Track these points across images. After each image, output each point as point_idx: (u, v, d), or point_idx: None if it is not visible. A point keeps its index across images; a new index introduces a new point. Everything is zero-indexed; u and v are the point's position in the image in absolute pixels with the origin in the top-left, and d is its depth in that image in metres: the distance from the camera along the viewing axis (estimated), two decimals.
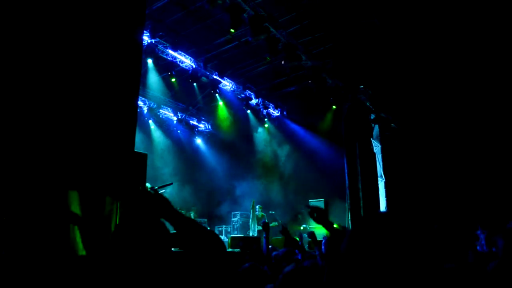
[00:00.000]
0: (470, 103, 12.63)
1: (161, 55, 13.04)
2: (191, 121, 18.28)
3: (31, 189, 3.69)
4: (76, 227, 3.79)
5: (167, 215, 1.75)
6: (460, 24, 11.00)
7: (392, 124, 15.56)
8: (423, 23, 11.27)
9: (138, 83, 5.49)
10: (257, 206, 14.42)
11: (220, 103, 17.19)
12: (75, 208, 4.05)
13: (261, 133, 18.25)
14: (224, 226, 16.10)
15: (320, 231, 14.31)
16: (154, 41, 12.28)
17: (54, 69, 4.15)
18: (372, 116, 15.30)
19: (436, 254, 0.98)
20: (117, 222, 4.67)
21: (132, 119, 5.11)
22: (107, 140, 4.62)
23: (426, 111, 13.66)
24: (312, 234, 5.54)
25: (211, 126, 19.16)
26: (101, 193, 4.45)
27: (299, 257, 5.11)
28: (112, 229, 4.70)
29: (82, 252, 3.73)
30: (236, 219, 15.84)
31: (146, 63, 13.24)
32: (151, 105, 16.17)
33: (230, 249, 10.27)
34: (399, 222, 1.00)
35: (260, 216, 14.26)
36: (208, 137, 19.28)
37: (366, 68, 13.69)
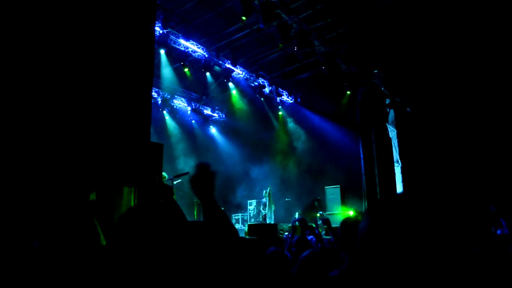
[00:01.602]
0: (487, 85, 12.37)
1: (173, 45, 13.04)
2: (205, 111, 18.33)
3: (51, 183, 3.76)
4: (96, 217, 3.86)
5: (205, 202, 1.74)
6: (475, 4, 10.73)
7: (408, 109, 15.35)
8: (437, 4, 11.02)
9: (151, 74, 5.52)
10: (263, 191, 14.57)
11: (234, 91, 17.19)
12: (94, 199, 4.12)
13: (275, 121, 18.22)
14: (240, 214, 16.22)
15: (337, 217, 14.33)
16: (166, 31, 12.28)
17: (69, 64, 4.19)
18: (387, 101, 15.11)
19: (460, 236, 0.96)
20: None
21: (146, 110, 5.15)
22: (123, 132, 4.66)
23: (442, 94, 13.43)
24: (327, 221, 5.67)
25: (225, 115, 19.19)
26: (118, 183, 4.51)
27: (313, 242, 5.21)
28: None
29: (103, 241, 3.80)
30: (252, 207, 15.94)
31: (159, 53, 13.26)
32: (165, 95, 16.24)
33: (248, 237, 10.35)
34: (420, 202, 0.98)
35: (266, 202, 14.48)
36: (222, 126, 19.32)
37: (380, 52, 13.49)
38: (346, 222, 2.85)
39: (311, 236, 5.60)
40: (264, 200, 14.72)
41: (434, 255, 0.90)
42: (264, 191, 14.66)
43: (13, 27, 3.76)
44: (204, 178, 1.79)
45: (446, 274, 0.90)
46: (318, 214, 14.83)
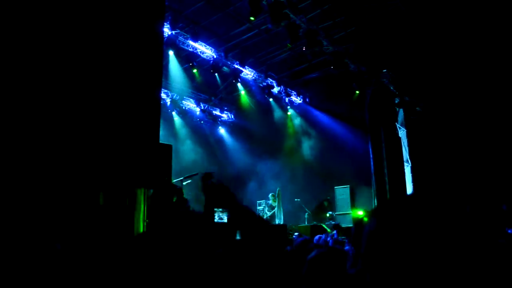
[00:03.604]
0: (498, 83, 12.24)
1: (182, 46, 13.09)
2: (214, 111, 18.36)
3: (61, 185, 3.79)
4: (108, 218, 3.88)
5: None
6: (486, 3, 10.62)
7: (417, 108, 15.25)
8: (446, 2, 10.93)
9: (160, 76, 5.55)
10: (269, 194, 14.58)
11: (242, 92, 17.19)
12: (104, 200, 4.14)
13: (284, 121, 18.20)
14: None
15: (347, 217, 14.27)
16: (175, 32, 12.33)
17: (80, 66, 4.22)
18: (397, 100, 15.03)
19: (471, 236, 0.95)
20: (145, 213, 4.76)
21: (156, 112, 5.18)
22: (132, 133, 4.69)
23: (452, 93, 13.31)
24: (337, 226, 5.83)
25: (234, 116, 19.21)
26: (129, 185, 4.54)
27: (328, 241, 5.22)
28: (141, 219, 4.80)
29: (114, 241, 3.83)
30: (261, 207, 15.93)
31: (168, 55, 13.31)
32: (174, 96, 16.30)
33: None
34: (430, 203, 0.98)
35: (272, 203, 14.44)
36: (231, 126, 19.34)
37: (389, 52, 13.41)
38: (358, 222, 2.87)
39: (317, 236, 5.62)
40: (269, 201, 14.70)
41: (444, 257, 0.90)
42: (271, 194, 14.65)
43: (21, 30, 3.80)
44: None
45: (456, 276, 0.90)
46: (328, 215, 14.79)
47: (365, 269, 1.00)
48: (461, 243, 0.92)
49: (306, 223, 13.97)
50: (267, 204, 14.83)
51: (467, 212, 0.95)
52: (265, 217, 14.81)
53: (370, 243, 1.00)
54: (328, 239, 5.66)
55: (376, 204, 14.27)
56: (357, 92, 15.23)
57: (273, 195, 14.53)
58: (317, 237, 5.46)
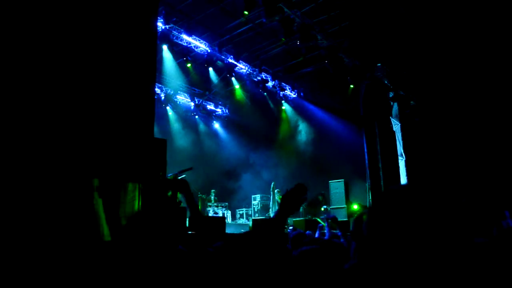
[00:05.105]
0: (491, 78, 12.29)
1: (175, 40, 13.01)
2: (208, 106, 18.32)
3: (55, 179, 3.77)
4: (101, 214, 3.87)
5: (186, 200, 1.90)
6: None
7: (412, 102, 15.29)
8: None
9: (154, 70, 5.52)
10: (275, 191, 14.65)
11: (237, 86, 17.14)
12: (98, 195, 4.13)
13: (279, 115, 18.20)
14: (244, 209, 16.24)
15: (342, 211, 14.34)
16: (168, 27, 12.25)
17: (72, 61, 4.19)
18: (391, 94, 15.06)
19: (465, 227, 0.96)
20: (140, 207, 4.75)
21: (150, 106, 5.16)
22: (126, 128, 4.68)
23: (446, 87, 13.35)
24: (334, 219, 5.88)
25: (228, 110, 19.18)
26: (123, 180, 4.52)
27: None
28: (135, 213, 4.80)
29: (108, 238, 3.82)
30: (256, 202, 15.97)
31: (161, 49, 13.24)
32: (168, 91, 16.24)
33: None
34: (423, 195, 0.98)
35: (278, 200, 14.52)
36: (225, 121, 19.32)
37: (383, 46, 13.41)
38: (355, 216, 2.92)
39: (309, 231, 5.65)
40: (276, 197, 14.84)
41: (437, 247, 0.90)
42: (277, 190, 14.84)
43: (16, 24, 3.77)
44: (297, 198, 1.87)
45: (449, 267, 0.90)
46: (322, 209, 14.84)
47: (363, 262, 1.01)
48: (456, 236, 0.92)
49: (300, 217, 14.02)
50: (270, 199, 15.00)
51: (462, 204, 0.95)
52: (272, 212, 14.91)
53: (369, 233, 1.01)
54: (326, 231, 5.71)
55: (370, 197, 14.35)
56: (352, 86, 15.25)
57: (279, 191, 14.69)
58: (308, 232, 5.49)
